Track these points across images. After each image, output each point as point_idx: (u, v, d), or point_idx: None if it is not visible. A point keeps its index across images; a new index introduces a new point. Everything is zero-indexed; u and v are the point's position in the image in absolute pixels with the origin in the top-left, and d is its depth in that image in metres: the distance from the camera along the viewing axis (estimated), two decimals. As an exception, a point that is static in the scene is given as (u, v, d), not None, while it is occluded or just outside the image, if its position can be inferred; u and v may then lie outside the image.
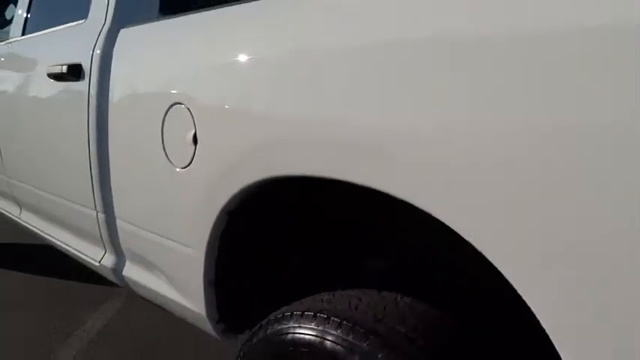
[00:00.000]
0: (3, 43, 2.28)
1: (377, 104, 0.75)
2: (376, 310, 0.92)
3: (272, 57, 0.96)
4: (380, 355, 0.83)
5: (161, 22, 1.38)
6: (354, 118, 0.78)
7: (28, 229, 2.29)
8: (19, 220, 2.31)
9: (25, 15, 2.15)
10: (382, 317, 0.89)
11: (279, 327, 0.98)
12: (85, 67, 1.51)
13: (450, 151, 0.65)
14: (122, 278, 1.60)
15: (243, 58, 1.02)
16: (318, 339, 0.91)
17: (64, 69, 1.55)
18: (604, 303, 0.54)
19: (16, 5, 2.54)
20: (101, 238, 1.61)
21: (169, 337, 2.30)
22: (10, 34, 2.23)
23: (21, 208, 2.27)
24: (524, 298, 0.62)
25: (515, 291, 0.62)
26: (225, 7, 1.14)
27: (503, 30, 0.61)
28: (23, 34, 2.13)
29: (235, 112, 1.02)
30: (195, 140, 1.11)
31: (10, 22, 2.69)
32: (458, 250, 0.75)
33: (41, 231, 2.09)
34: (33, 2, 2.14)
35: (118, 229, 1.51)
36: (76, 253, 1.84)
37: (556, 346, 0.60)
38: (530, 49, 0.58)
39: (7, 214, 2.43)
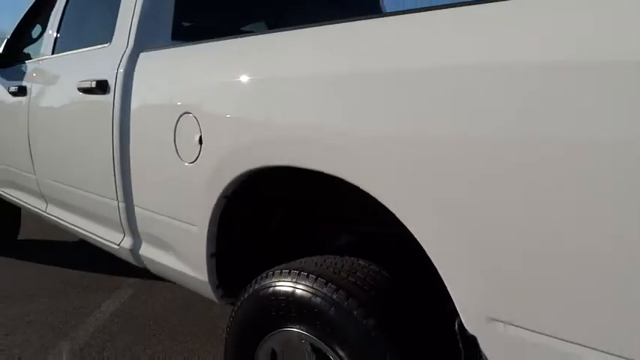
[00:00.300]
0: (34, 60, 2.63)
1: (320, 117, 1.09)
2: (334, 268, 1.24)
3: (254, 81, 1.30)
4: (334, 296, 1.15)
5: (173, 48, 1.72)
6: (307, 124, 1.12)
7: (52, 221, 2.62)
8: (44, 214, 2.65)
9: (54, 36, 2.51)
10: (338, 272, 1.22)
11: (264, 283, 1.31)
12: (111, 82, 1.86)
13: (366, 147, 0.99)
14: (139, 257, 1.93)
15: (235, 80, 1.37)
16: (292, 288, 1.23)
17: (93, 84, 1.89)
18: (472, 238, 0.88)
19: (41, 26, 2.90)
20: (121, 223, 1.95)
21: (178, 317, 2.62)
22: (41, 52, 2.58)
23: (47, 203, 2.61)
24: (421, 242, 0.95)
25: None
26: (223, 41, 1.48)
27: (390, 69, 0.95)
28: (53, 52, 2.48)
29: (230, 120, 1.36)
30: (200, 141, 1.45)
31: (34, 40, 3.05)
32: (387, 226, 1.09)
33: (65, 221, 2.43)
34: (62, 25, 2.49)
35: (136, 215, 1.84)
36: (97, 238, 2.17)
37: (439, 270, 0.93)
38: (406, 86, 0.92)
39: (34, 209, 2.77)
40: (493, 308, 0.89)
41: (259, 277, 1.34)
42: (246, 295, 1.38)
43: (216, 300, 1.66)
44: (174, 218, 1.64)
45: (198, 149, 1.46)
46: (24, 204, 2.89)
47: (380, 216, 1.12)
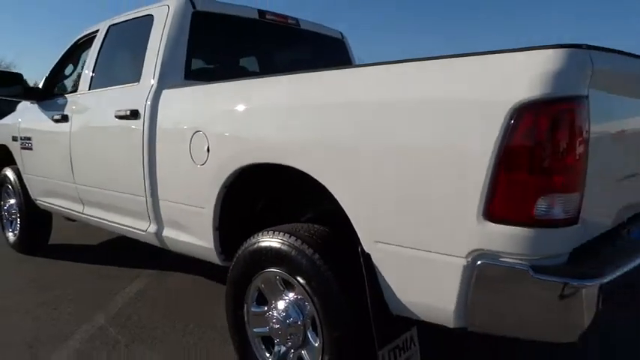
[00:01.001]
0: (73, 94, 3.36)
1: (279, 131, 1.82)
2: (296, 228, 1.94)
3: (241, 110, 2.04)
4: (296, 243, 1.84)
5: (187, 87, 2.46)
6: (273, 137, 1.85)
7: (87, 219, 3.32)
8: (81, 215, 3.35)
9: (90, 75, 3.24)
10: (298, 230, 1.92)
11: (252, 242, 2.01)
12: (141, 111, 2.58)
13: (311, 149, 1.72)
14: (162, 239, 2.63)
15: (230, 109, 2.10)
16: (269, 242, 1.93)
17: (128, 112, 2.62)
18: (364, 197, 1.60)
19: (74, 65, 3.65)
20: (147, 214, 2.65)
21: (195, 296, 3.30)
22: (78, 88, 3.31)
23: (84, 205, 3.30)
24: (340, 202, 1.66)
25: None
26: (222, 83, 2.22)
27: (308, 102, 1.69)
28: (90, 88, 3.21)
29: (228, 136, 2.08)
30: (208, 150, 2.17)
31: (67, 77, 3.79)
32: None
33: (99, 218, 3.13)
34: (96, 68, 3.22)
35: (160, 206, 2.55)
36: (126, 228, 2.86)
37: (350, 218, 1.64)
38: (325, 114, 1.66)
39: (72, 211, 3.46)
40: (376, 235, 1.60)
41: (248, 239, 2.05)
42: (239, 253, 2.08)
43: (219, 263, 2.35)
44: (189, 205, 2.34)
45: (207, 155, 2.18)
46: (62, 208, 3.59)
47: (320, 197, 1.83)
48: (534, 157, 1.28)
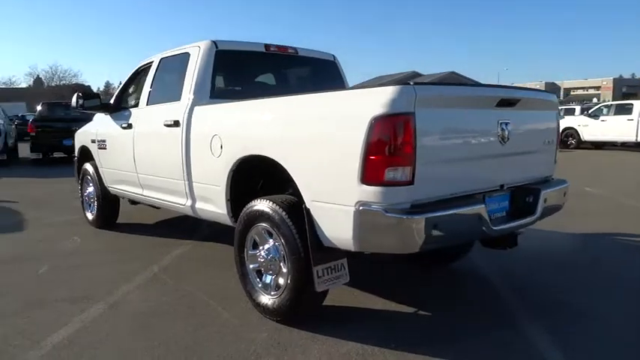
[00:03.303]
0: (135, 108, 4.60)
1: (264, 133, 2.91)
2: (277, 197, 3.02)
3: (242, 120, 3.15)
4: (275, 206, 2.91)
5: (210, 105, 3.59)
6: (261, 136, 2.95)
7: (145, 199, 4.55)
8: (141, 196, 4.58)
9: (147, 94, 4.46)
10: (278, 199, 2.99)
11: (249, 206, 3.10)
12: (181, 121, 3.74)
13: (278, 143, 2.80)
14: (195, 210, 3.78)
15: (236, 120, 3.21)
16: (260, 206, 3.02)
17: (172, 122, 3.79)
18: (299, 172, 2.66)
19: (135, 86, 4.89)
20: (185, 192, 3.80)
21: (218, 258, 4.45)
22: (140, 104, 4.54)
23: (143, 189, 4.53)
24: (293, 177, 2.73)
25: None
26: (232, 102, 3.34)
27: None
28: (147, 104, 4.43)
29: (234, 137, 3.20)
30: (221, 147, 3.29)
31: (130, 95, 5.04)
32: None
33: (154, 198, 4.34)
34: (152, 88, 4.43)
35: (193, 186, 3.70)
36: (171, 203, 4.05)
37: (299, 187, 2.71)
38: (278, 123, 2.73)
39: (135, 194, 4.71)
40: (312, 196, 2.65)
41: (248, 205, 3.14)
42: (242, 214, 3.18)
43: (231, 224, 3.45)
44: (211, 184, 3.47)
45: (221, 150, 3.30)
46: (127, 192, 4.85)
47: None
48: (383, 146, 2.29)
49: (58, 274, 4.04)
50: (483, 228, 2.59)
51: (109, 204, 5.45)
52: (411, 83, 2.31)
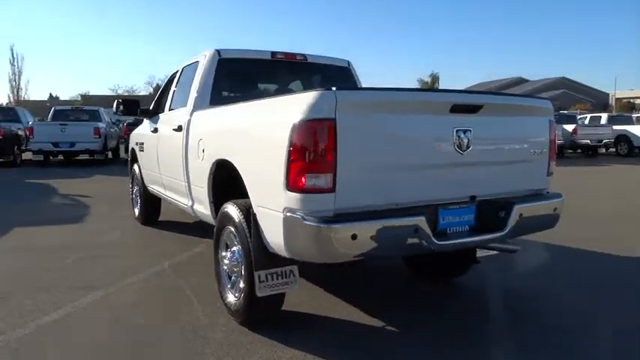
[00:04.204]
0: (162, 114, 4.94)
1: (225, 138, 2.99)
2: (241, 201, 3.08)
3: (215, 126, 3.26)
4: (236, 210, 2.99)
5: (202, 110, 3.76)
6: (224, 144, 3.04)
7: (167, 199, 4.86)
8: (164, 196, 4.90)
9: (170, 101, 4.77)
10: (239, 202, 3.06)
11: (221, 209, 3.20)
12: (183, 126, 3.96)
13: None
14: (195, 210, 3.97)
15: (212, 125, 3.34)
16: (227, 209, 3.11)
17: (177, 127, 4.02)
18: (250, 176, 2.71)
19: (165, 93, 5.24)
20: (187, 193, 4.01)
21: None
22: (165, 110, 4.87)
23: (165, 189, 4.84)
24: (245, 181, 2.78)
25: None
26: (212, 109, 3.47)
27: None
28: (169, 109, 4.74)
29: (211, 140, 3.32)
30: (203, 150, 3.43)
31: (162, 101, 5.39)
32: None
33: (171, 198, 4.62)
34: (173, 96, 4.73)
35: (191, 188, 3.89)
36: (181, 204, 4.28)
37: (249, 192, 2.75)
38: (235, 133, 2.79)
39: (161, 194, 5.05)
40: (256, 202, 2.67)
41: (222, 207, 3.24)
42: (218, 215, 3.28)
43: (214, 223, 3.58)
44: (199, 186, 3.63)
45: (203, 154, 3.44)
46: (157, 191, 5.21)
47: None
48: (303, 153, 2.26)
49: (82, 263, 4.46)
50: (422, 242, 2.42)
51: (149, 202, 5.88)
52: (333, 89, 2.24)
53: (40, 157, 13.75)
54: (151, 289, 3.77)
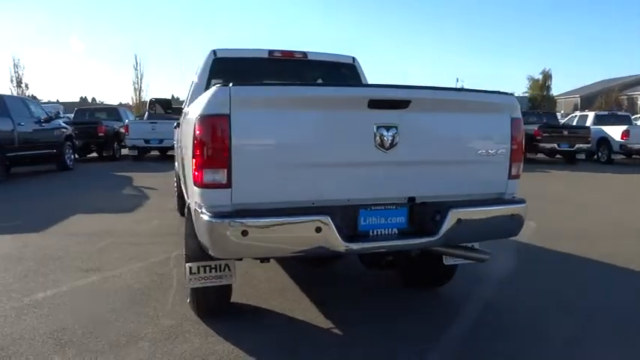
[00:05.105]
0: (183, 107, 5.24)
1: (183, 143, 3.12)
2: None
3: (182, 124, 3.40)
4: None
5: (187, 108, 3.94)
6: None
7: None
8: (186, 192, 5.18)
9: (189, 98, 5.03)
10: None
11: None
12: (180, 124, 4.17)
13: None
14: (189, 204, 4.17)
15: (182, 124, 3.49)
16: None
17: (176, 124, 4.25)
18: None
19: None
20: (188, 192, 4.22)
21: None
22: (185, 107, 5.15)
23: (186, 185, 5.13)
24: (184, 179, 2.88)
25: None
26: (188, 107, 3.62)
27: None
28: (187, 106, 5.00)
29: (180, 140, 3.48)
30: (180, 147, 3.59)
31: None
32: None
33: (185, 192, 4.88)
34: (188, 98, 4.99)
35: (187, 183, 4.09)
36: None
37: (186, 192, 2.85)
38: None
39: (185, 190, 5.35)
40: (190, 199, 2.75)
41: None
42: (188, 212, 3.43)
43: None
44: (187, 183, 3.81)
45: (181, 150, 3.60)
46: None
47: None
48: (202, 148, 2.29)
49: (107, 248, 4.89)
50: (326, 243, 2.31)
51: (181, 194, 6.26)
52: (230, 85, 2.24)
53: (135, 152, 15.17)
54: (146, 276, 4.02)
